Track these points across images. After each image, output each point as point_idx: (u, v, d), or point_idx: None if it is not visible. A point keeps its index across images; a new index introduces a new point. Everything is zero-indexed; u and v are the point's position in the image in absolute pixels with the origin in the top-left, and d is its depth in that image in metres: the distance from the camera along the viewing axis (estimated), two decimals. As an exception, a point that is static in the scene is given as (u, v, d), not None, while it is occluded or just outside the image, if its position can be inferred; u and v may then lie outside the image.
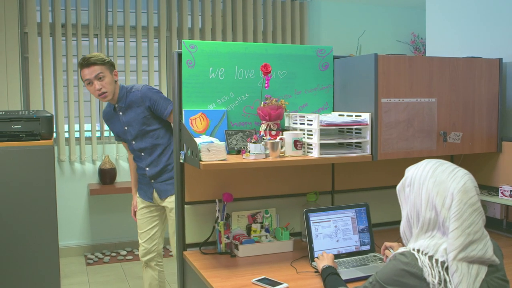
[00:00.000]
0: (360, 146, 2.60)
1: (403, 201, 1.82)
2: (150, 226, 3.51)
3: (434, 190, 1.69)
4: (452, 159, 3.11)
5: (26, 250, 3.44)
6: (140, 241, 3.55)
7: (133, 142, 3.32)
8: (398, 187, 1.84)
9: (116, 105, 3.29)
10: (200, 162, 2.27)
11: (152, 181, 3.35)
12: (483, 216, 1.68)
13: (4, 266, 3.39)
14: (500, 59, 2.85)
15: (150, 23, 5.56)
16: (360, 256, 2.50)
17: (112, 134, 4.60)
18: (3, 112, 3.60)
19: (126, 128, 3.31)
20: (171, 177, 3.30)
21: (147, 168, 3.34)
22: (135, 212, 3.59)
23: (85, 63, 3.16)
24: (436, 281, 1.62)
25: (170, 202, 3.31)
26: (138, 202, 3.52)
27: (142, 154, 3.33)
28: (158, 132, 3.30)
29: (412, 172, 1.79)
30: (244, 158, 2.40)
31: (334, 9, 6.31)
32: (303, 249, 2.59)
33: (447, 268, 1.64)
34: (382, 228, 3.02)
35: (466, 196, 1.65)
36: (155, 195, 3.39)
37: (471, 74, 2.77)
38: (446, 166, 1.73)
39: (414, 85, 2.61)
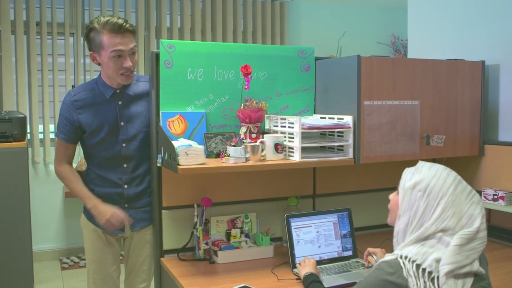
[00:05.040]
0: (342, 150, 2.55)
1: (406, 202, 1.69)
2: (114, 267, 2.66)
3: (451, 210, 1.64)
4: (434, 162, 3.08)
5: (-2, 255, 3.33)
6: None
7: (123, 145, 2.53)
8: (407, 185, 1.71)
9: (118, 91, 2.54)
10: (178, 166, 2.19)
11: (126, 205, 2.58)
12: (485, 245, 1.66)
13: (-26, 272, 3.28)
14: (483, 62, 2.83)
15: (128, 22, 5.44)
16: (342, 262, 2.44)
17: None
18: (-26, 113, 3.48)
19: (122, 123, 2.53)
20: (148, 203, 2.63)
21: (126, 186, 2.56)
22: (112, 216, 2.48)
23: (122, 29, 2.38)
24: (421, 291, 1.57)
25: (148, 234, 2.65)
26: (95, 238, 2.60)
27: (125, 165, 2.55)
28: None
29: (430, 178, 1.69)
30: (223, 162, 2.33)
31: (314, 10, 6.27)
32: (284, 254, 2.53)
33: (433, 279, 1.59)
34: (365, 232, 2.97)
35: (482, 221, 1.65)
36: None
37: (454, 76, 2.74)
38: (464, 185, 1.69)
39: (397, 87, 2.57)
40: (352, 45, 6.26)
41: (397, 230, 1.73)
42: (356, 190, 2.98)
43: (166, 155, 2.34)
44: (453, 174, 1.71)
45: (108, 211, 2.49)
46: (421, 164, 1.77)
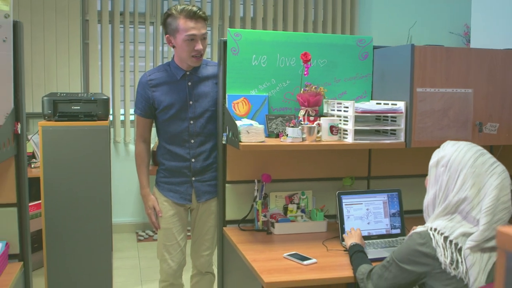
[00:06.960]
0: (395, 134, 2.69)
1: (432, 178, 1.88)
2: (182, 235, 2.94)
3: (471, 180, 1.77)
4: (491, 149, 3.14)
5: (81, 224, 3.66)
6: (167, 256, 2.89)
7: (191, 122, 2.80)
8: (431, 162, 1.89)
9: (188, 73, 2.82)
10: (240, 143, 2.43)
11: (193, 178, 2.85)
12: (510, 213, 1.77)
13: (61, 239, 3.63)
14: (542, 52, 2.86)
15: (203, 12, 5.73)
16: (390, 239, 2.60)
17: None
18: (64, 94, 3.86)
19: (191, 102, 2.80)
20: (213, 177, 2.89)
21: (193, 160, 2.83)
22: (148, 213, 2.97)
23: (195, 15, 2.68)
24: (448, 261, 1.72)
25: (213, 206, 2.91)
26: (165, 207, 2.90)
27: (192, 141, 2.82)
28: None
29: (451, 153, 1.84)
30: (281, 141, 2.54)
31: (385, 0, 6.30)
32: (337, 230, 2.70)
33: (459, 250, 1.73)
34: (416, 215, 3.09)
35: (501, 194, 1.74)
36: (194, 196, 2.90)
37: (510, 66, 2.79)
38: (487, 158, 1.80)
39: (451, 75, 2.67)
40: (423, 35, 6.21)
41: (426, 204, 1.89)
42: (410, 174, 3.10)
43: (230, 133, 2.59)
44: (475, 148, 1.83)
45: (148, 207, 2.96)
46: (446, 142, 1.91)
